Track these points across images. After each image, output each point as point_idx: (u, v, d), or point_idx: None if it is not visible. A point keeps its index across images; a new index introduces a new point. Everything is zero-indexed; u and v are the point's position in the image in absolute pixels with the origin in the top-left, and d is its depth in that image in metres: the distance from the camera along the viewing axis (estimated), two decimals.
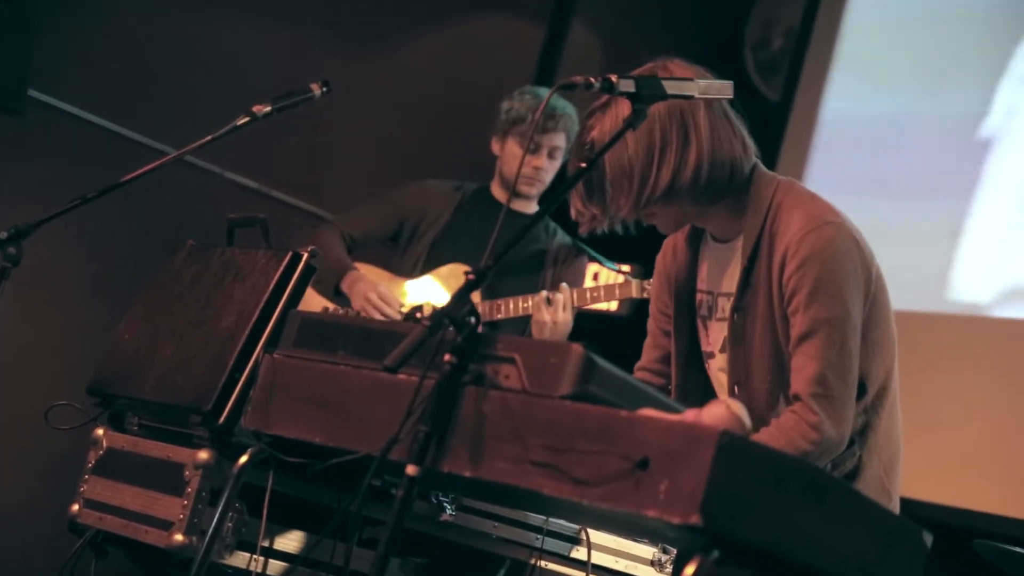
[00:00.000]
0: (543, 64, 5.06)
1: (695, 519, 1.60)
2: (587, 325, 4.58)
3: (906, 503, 2.30)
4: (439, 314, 1.82)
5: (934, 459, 3.91)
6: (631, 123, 1.94)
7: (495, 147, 3.25)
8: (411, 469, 1.76)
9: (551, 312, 2.84)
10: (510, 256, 2.75)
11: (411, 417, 1.80)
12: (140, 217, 3.79)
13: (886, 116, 4.53)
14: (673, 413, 1.84)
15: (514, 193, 3.20)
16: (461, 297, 1.82)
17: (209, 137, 2.70)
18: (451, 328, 1.80)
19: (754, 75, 4.79)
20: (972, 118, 4.26)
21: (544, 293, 2.89)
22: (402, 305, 3.13)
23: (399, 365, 1.81)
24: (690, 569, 1.70)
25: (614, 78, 1.93)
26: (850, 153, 4.57)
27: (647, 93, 1.93)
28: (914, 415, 2.64)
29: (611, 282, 3.09)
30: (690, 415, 1.86)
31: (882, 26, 4.66)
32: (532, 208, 3.37)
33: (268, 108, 2.76)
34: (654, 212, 2.16)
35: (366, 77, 4.40)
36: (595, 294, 2.98)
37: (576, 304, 2.88)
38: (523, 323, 3.05)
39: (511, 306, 2.93)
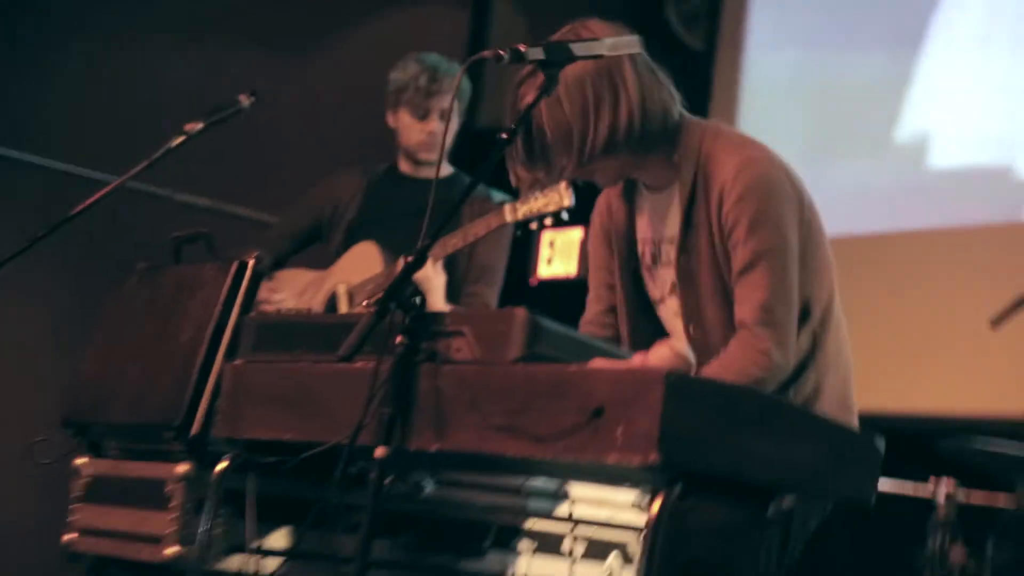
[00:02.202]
0: (472, 48, 5.07)
1: (653, 457, 1.66)
2: (549, 293, 4.64)
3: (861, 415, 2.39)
4: (384, 299, 1.86)
5: (883, 369, 4.03)
6: (545, 90, 2.00)
7: (390, 120, 3.20)
8: (380, 451, 1.81)
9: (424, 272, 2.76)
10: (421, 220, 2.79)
11: (373, 401, 1.84)
12: (96, 249, 3.80)
13: (808, 60, 4.62)
14: (621, 360, 1.91)
15: (417, 162, 3.17)
16: (403, 279, 1.87)
17: (145, 162, 2.74)
18: (398, 311, 1.84)
19: (678, 27, 4.85)
20: (894, 57, 4.35)
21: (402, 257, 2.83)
22: (304, 292, 3.13)
23: (353, 354, 1.86)
24: (656, 505, 1.77)
25: (523, 48, 1.98)
26: (777, 98, 4.65)
27: (556, 59, 1.99)
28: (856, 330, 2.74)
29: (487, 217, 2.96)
30: (637, 360, 1.92)
31: None
32: (442, 172, 3.29)
33: (200, 125, 2.80)
34: (596, 168, 2.22)
35: (300, 81, 4.45)
36: (475, 230, 2.87)
37: (449, 252, 2.84)
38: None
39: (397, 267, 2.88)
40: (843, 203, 4.13)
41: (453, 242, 2.99)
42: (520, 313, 1.86)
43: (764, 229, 2.13)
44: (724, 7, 4.75)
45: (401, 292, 1.85)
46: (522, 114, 2.05)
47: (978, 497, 3.05)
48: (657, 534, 1.88)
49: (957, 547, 2.96)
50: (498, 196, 3.07)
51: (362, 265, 3.22)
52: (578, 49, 2.01)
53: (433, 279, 2.90)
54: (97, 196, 2.77)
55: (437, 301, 2.92)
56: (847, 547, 3.91)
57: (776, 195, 2.15)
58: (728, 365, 2.10)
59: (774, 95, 4.65)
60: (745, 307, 2.12)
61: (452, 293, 3.18)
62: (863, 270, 4.11)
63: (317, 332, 2.10)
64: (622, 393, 1.71)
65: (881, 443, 1.98)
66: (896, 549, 3.58)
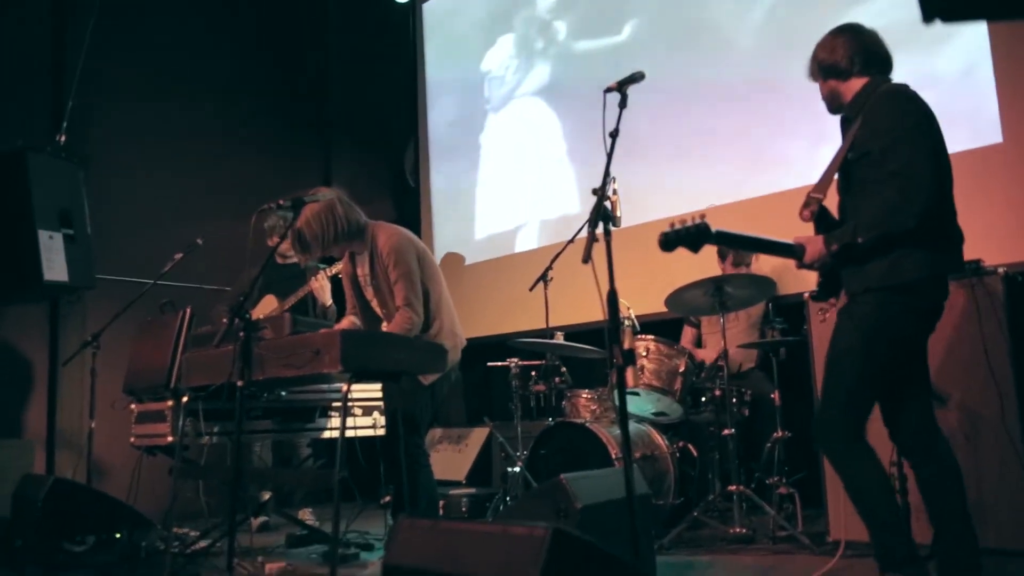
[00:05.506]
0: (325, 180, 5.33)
1: (340, 368, 2.31)
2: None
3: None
4: (231, 316, 2.51)
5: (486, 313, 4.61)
6: (293, 221, 2.67)
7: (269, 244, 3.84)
8: (240, 383, 2.48)
9: (318, 283, 3.58)
10: (286, 281, 3.49)
11: (235, 361, 2.51)
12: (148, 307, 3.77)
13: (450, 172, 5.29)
14: (330, 329, 2.53)
15: (284, 257, 3.93)
16: (240, 307, 2.54)
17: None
18: (239, 321, 2.49)
19: (409, 176, 5.73)
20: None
21: (312, 279, 3.55)
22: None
23: (220, 343, 2.55)
24: (345, 387, 2.46)
25: (282, 200, 2.64)
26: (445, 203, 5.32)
27: (296, 205, 2.68)
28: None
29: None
30: (336, 327, 2.62)
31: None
32: (294, 259, 3.78)
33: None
34: (332, 250, 2.82)
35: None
36: (319, 277, 3.58)
37: (326, 278, 3.50)
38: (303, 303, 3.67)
39: (292, 298, 3.63)
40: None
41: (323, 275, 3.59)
42: (287, 316, 2.56)
43: (400, 264, 2.75)
44: (420, 166, 5.53)
45: (240, 312, 2.52)
46: (279, 241, 2.76)
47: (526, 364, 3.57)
48: (386, 397, 2.57)
49: (536, 385, 3.61)
50: (323, 266, 3.74)
51: (267, 304, 3.89)
52: (307, 199, 2.67)
53: (325, 286, 3.61)
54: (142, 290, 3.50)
55: (327, 296, 3.55)
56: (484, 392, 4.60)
57: (404, 248, 2.77)
58: (395, 324, 2.71)
59: (445, 201, 5.33)
60: (398, 298, 2.74)
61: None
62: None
63: (213, 336, 2.71)
64: (326, 342, 2.35)
65: (448, 347, 2.62)
66: (499, 393, 4.19)
